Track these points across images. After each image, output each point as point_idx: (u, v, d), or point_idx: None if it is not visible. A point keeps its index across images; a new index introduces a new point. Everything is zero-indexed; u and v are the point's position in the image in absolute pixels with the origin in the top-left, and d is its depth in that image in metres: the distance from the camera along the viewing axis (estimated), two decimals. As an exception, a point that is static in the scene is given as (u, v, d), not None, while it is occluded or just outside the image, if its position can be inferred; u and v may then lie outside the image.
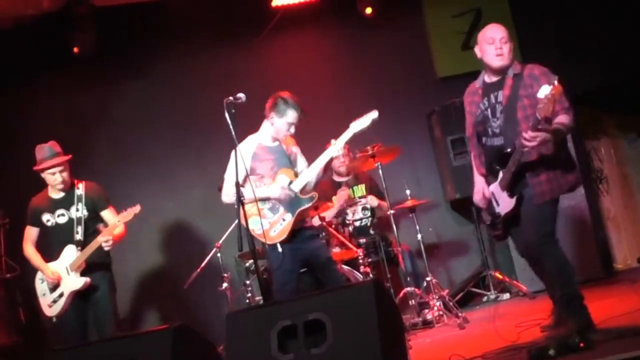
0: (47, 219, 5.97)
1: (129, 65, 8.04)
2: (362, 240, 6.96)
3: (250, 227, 5.21)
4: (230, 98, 5.15)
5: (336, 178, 7.53)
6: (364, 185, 7.49)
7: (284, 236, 5.51)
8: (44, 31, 7.53)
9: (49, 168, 5.86)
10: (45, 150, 5.90)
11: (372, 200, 7.34)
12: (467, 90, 5.26)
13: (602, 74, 8.21)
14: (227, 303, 7.03)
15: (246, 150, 5.59)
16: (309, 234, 5.71)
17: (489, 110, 5.03)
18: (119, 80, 8.05)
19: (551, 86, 4.39)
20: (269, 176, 5.61)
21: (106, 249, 5.81)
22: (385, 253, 6.93)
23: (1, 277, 6.91)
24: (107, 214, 6.02)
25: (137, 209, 5.84)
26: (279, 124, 5.64)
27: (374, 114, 5.44)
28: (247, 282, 6.99)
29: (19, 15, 7.32)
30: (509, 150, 4.86)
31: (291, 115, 5.61)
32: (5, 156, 7.62)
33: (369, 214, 7.34)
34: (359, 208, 7.31)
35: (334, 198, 7.23)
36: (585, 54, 8.18)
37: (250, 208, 5.40)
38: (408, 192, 7.12)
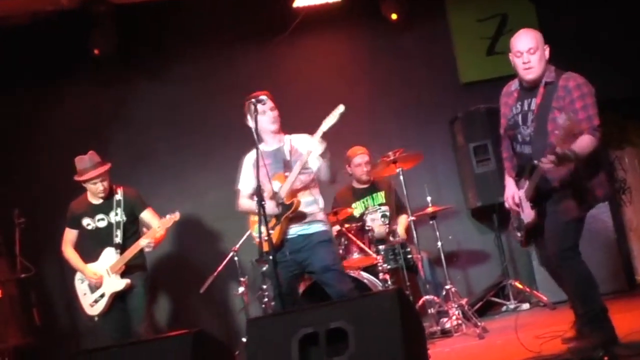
0: (88, 222, 6.22)
1: (146, 65, 8.02)
2: (382, 247, 6.86)
3: (254, 233, 5.38)
4: (253, 100, 5.11)
5: (355, 185, 7.44)
6: (383, 192, 7.40)
7: (274, 242, 5.24)
8: (62, 29, 7.52)
9: (91, 179, 6.09)
10: (85, 161, 6.12)
11: (400, 228, 7.20)
12: (504, 91, 5.14)
13: (628, 82, 8.10)
14: (243, 307, 6.97)
15: (248, 161, 5.57)
16: (309, 242, 5.42)
17: (519, 116, 4.93)
18: (136, 81, 8.03)
19: (568, 120, 4.27)
20: (266, 182, 5.32)
21: (147, 250, 6.17)
22: (405, 260, 6.82)
23: (16, 277, 6.89)
24: (146, 215, 6.29)
25: (176, 216, 6.13)
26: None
27: (340, 109, 5.23)
28: (264, 287, 6.92)
29: (37, 10, 7.32)
30: (535, 162, 4.73)
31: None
32: (22, 156, 7.60)
33: (388, 221, 7.24)
34: (379, 215, 7.21)
35: (353, 205, 7.16)
36: (612, 62, 8.07)
37: (253, 216, 5.45)
38: (429, 198, 7.05)
